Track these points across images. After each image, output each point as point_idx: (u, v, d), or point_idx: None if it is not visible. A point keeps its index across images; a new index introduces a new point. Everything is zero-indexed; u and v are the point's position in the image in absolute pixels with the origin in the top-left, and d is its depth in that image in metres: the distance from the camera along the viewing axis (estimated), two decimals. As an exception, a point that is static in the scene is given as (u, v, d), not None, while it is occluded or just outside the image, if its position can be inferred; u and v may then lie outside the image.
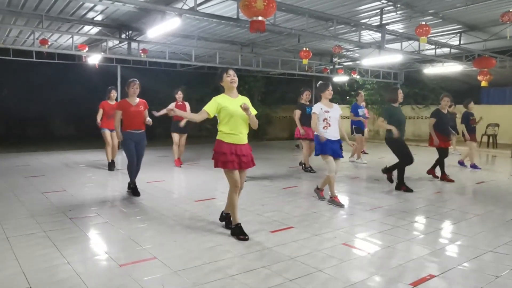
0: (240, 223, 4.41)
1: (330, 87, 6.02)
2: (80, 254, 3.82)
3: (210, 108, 4.27)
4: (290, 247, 4.07)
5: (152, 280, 3.25)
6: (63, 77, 17.23)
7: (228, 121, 4.28)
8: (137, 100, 6.36)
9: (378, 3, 8.09)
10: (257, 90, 22.14)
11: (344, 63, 15.91)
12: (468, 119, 9.61)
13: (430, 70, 14.75)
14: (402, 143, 6.99)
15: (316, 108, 5.98)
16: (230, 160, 4.24)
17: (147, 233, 4.49)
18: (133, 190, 6.39)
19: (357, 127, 10.70)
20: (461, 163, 10.08)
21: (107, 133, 8.84)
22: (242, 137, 4.35)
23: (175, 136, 9.41)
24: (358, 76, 16.64)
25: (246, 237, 4.28)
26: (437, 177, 8.28)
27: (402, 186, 6.99)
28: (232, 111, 4.26)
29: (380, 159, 11.51)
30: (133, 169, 6.36)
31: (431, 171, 8.39)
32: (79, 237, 4.32)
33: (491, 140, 14.63)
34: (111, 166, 8.87)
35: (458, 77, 17.46)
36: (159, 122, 9.59)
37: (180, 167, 9.48)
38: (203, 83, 20.02)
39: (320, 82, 6.26)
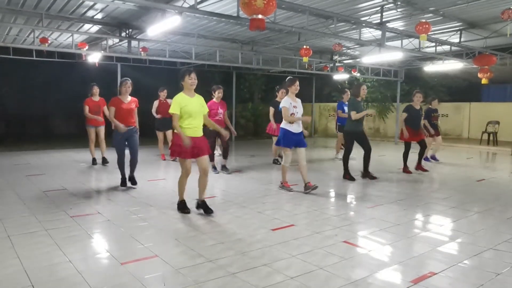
0: (184, 200, 5.27)
1: (297, 83, 6.50)
2: (81, 252, 3.84)
3: (175, 109, 4.92)
4: (291, 245, 4.08)
5: (153, 278, 3.26)
6: (63, 75, 17.19)
7: (187, 118, 4.94)
8: (129, 98, 6.76)
9: (379, 0, 8.08)
10: (257, 88, 22.13)
11: (345, 61, 15.88)
12: (430, 115, 9.94)
13: (430, 68, 14.73)
14: (361, 134, 7.65)
15: (286, 102, 6.43)
16: (184, 151, 4.93)
17: (148, 231, 4.50)
18: (132, 180, 6.83)
19: (342, 125, 10.68)
20: (433, 157, 10.33)
21: (91, 130, 9.18)
22: (197, 131, 5.04)
23: (160, 134, 9.97)
24: (358, 74, 16.62)
25: (188, 210, 5.17)
26: (426, 170, 8.47)
27: (347, 175, 7.74)
28: (190, 110, 4.92)
29: (380, 157, 11.53)
30: (123, 164, 6.81)
31: (418, 167, 8.64)
32: (80, 235, 4.33)
33: (491, 138, 14.62)
34: (95, 161, 9.30)
35: (458, 75, 17.43)
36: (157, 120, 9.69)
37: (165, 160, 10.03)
38: (203, 81, 19.96)
39: (288, 77, 6.64)
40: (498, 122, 15.03)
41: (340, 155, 10.88)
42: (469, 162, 10.66)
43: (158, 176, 8.14)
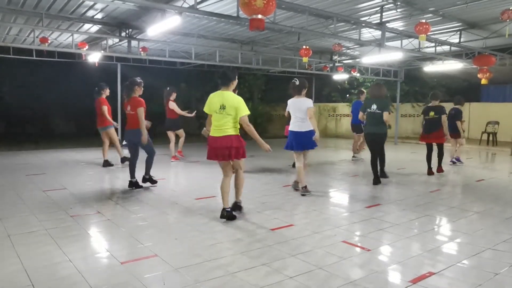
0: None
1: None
2: (81, 252, 3.85)
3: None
4: (290, 244, 4.09)
5: (153, 277, 3.27)
6: (63, 75, 17.25)
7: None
8: None
9: (379, 0, 8.09)
10: (257, 88, 22.16)
11: (344, 61, 15.90)
12: (460, 116, 9.63)
13: (430, 68, 14.75)
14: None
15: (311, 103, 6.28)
16: None
17: (148, 231, 4.51)
18: (151, 180, 6.93)
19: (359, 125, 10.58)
20: (458, 159, 10.13)
21: (114, 130, 9.02)
22: None
23: (172, 134, 9.83)
24: (358, 74, 16.64)
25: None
26: (442, 170, 8.39)
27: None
28: None
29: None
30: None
31: (439, 169, 8.46)
32: (80, 234, 4.34)
33: (491, 138, 14.64)
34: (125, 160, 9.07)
35: (458, 75, 17.46)
36: (160, 120, 9.72)
37: (178, 160, 9.93)
38: (203, 81, 20.02)
39: (302, 78, 6.37)
40: (497, 122, 15.05)
41: (358, 155, 10.82)
42: (468, 162, 10.67)
43: (158, 175, 8.14)
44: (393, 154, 12.24)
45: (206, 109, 4.92)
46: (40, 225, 4.60)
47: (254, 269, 3.45)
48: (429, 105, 8.56)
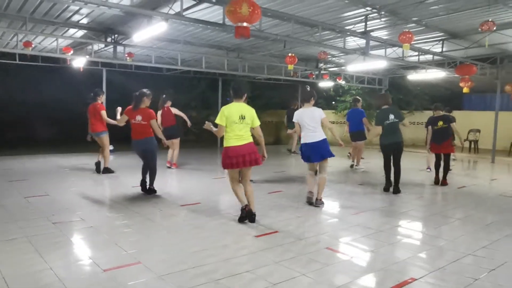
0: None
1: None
2: (63, 259, 3.79)
3: None
4: (274, 251, 4.10)
5: (137, 285, 3.24)
6: (47, 80, 17.03)
7: None
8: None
9: (363, 10, 8.21)
10: (243, 95, 22.19)
11: (330, 69, 16.05)
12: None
13: (413, 76, 14.98)
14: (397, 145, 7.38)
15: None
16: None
17: (132, 238, 4.47)
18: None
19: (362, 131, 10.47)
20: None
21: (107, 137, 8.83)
22: None
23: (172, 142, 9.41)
24: (343, 82, 16.81)
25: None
26: (446, 183, 8.33)
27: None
28: None
29: (365, 164, 11.61)
30: None
31: (444, 182, 8.37)
32: (63, 242, 4.28)
33: (472, 146, 14.93)
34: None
35: (440, 83, 17.78)
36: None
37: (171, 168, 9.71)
38: (189, 87, 20.00)
39: (309, 87, 6.34)
40: (479, 130, 15.35)
41: (361, 165, 10.75)
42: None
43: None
44: (377, 161, 12.35)
45: (220, 121, 4.98)
46: (21, 232, 4.52)
47: (238, 276, 3.45)
48: (434, 115, 8.53)
